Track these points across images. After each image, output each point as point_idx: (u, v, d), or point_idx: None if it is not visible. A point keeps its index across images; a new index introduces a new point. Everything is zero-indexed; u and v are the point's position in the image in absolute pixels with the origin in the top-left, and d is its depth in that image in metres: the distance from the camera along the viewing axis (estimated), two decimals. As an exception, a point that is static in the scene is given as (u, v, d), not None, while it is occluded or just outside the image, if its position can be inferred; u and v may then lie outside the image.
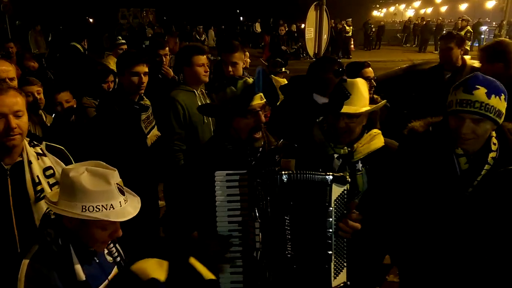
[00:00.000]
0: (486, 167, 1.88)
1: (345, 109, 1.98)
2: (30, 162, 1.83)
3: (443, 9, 45.62)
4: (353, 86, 2.02)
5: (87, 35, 7.34)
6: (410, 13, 44.24)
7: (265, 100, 1.88)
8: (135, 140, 3.16)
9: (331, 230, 1.74)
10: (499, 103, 1.80)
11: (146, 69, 3.19)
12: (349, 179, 1.77)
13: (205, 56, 3.32)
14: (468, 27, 12.00)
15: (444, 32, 21.46)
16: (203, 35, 15.56)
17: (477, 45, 21.28)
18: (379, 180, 2.05)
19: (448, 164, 1.93)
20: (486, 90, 1.78)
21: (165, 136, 3.25)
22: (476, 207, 1.88)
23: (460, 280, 1.97)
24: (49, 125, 3.40)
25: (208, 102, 3.35)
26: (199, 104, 3.25)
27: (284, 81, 4.47)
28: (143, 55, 3.27)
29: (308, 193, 1.73)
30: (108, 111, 3.10)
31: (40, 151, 1.91)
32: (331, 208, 1.73)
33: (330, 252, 1.74)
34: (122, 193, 1.51)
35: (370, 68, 3.66)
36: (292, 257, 1.71)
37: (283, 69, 5.11)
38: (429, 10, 46.89)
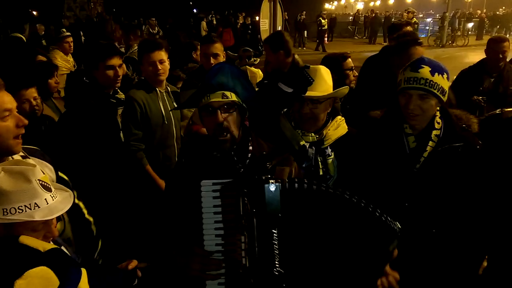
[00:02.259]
0: (431, 143, 2.01)
1: (309, 93, 2.05)
2: None
3: (391, 1, 47.36)
4: (315, 72, 2.10)
5: (28, 22, 6.88)
6: (360, 5, 45.53)
7: (230, 99, 1.72)
8: (111, 135, 3.06)
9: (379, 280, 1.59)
10: (442, 81, 1.96)
11: (120, 61, 3.13)
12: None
13: (157, 52, 3.04)
14: (415, 19, 12.52)
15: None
16: (156, 28, 14.92)
17: (423, 36, 22.31)
18: (346, 164, 2.14)
19: (398, 143, 2.06)
20: (430, 69, 1.95)
21: (124, 136, 3.10)
22: (423, 182, 2.01)
23: (410, 252, 2.04)
24: None
25: (172, 101, 3.19)
26: (161, 104, 3.10)
27: (259, 71, 4.43)
28: (116, 47, 3.17)
29: (342, 218, 1.53)
30: (84, 106, 3.01)
31: (23, 154, 1.75)
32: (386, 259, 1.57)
33: None
34: (48, 189, 1.39)
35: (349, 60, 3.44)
36: (280, 275, 1.49)
37: (254, 59, 5.08)
38: (377, 2, 48.49)
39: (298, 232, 1.52)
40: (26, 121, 1.60)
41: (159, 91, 3.13)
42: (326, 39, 20.44)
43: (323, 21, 19.67)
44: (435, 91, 1.94)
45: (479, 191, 1.99)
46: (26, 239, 1.06)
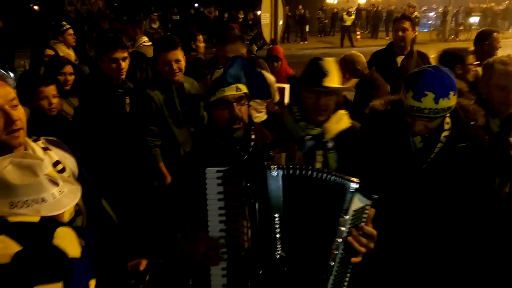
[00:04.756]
0: (439, 145, 1.98)
1: (328, 84, 2.03)
2: None
3: (393, -4, 46.99)
4: (329, 64, 2.09)
5: None
6: (361, 0, 45.21)
7: (243, 92, 1.74)
8: (121, 125, 3.11)
9: (340, 240, 1.54)
10: (449, 102, 1.88)
11: (125, 54, 3.16)
12: (376, 196, 1.55)
13: (173, 52, 2.97)
14: (416, 13, 12.46)
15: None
16: (157, 23, 14.66)
17: (426, 30, 22.18)
18: (347, 158, 2.13)
19: (404, 142, 2.03)
20: (434, 96, 1.84)
21: (138, 132, 3.10)
22: (429, 182, 1.99)
23: (416, 250, 2.06)
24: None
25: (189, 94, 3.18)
26: (176, 100, 3.09)
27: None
28: (120, 40, 3.19)
29: (314, 193, 1.55)
30: (94, 97, 3.08)
31: (43, 145, 1.72)
32: (347, 217, 1.53)
33: (332, 263, 1.56)
34: (55, 183, 1.39)
35: (471, 56, 3.45)
36: (282, 258, 1.55)
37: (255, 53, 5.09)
38: (380, -3, 48.14)
39: (297, 215, 1.55)
40: (16, 119, 1.55)
41: (175, 86, 3.11)
42: (358, 36, 20.07)
43: (345, 16, 19.30)
44: (441, 114, 1.90)
45: (487, 190, 1.99)
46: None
